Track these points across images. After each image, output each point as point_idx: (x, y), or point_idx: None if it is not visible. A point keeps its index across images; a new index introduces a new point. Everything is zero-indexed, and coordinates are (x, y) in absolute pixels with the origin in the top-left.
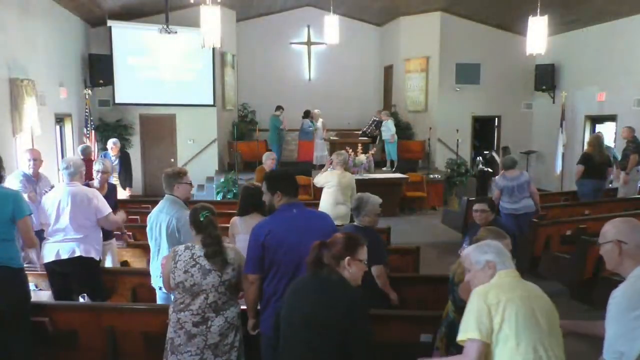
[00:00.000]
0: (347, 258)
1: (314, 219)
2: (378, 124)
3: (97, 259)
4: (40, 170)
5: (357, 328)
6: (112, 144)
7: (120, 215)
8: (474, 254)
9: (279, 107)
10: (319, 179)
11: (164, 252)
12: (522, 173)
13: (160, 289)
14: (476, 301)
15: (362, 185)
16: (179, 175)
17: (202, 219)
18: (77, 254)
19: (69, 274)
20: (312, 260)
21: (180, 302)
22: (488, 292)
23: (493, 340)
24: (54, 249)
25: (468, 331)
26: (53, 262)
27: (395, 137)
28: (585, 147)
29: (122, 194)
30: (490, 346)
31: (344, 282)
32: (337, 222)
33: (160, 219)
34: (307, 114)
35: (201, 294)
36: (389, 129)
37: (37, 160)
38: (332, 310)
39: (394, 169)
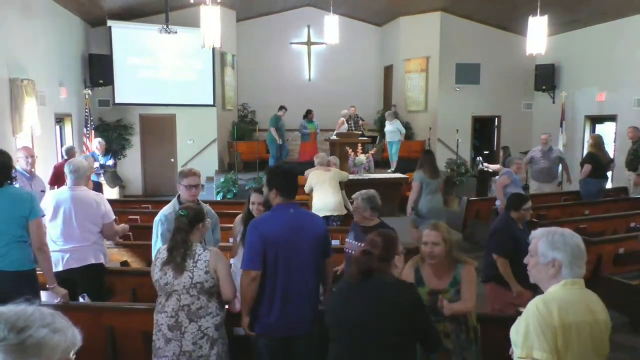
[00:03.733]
0: (396, 257)
1: (308, 219)
2: (354, 118)
3: (105, 263)
4: (37, 172)
5: (423, 320)
6: (97, 143)
7: (123, 227)
8: (543, 244)
9: (281, 107)
10: (306, 187)
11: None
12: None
13: None
14: (540, 317)
15: (362, 185)
16: (180, 175)
17: (176, 217)
18: (89, 262)
19: (76, 281)
20: (363, 268)
21: (158, 303)
22: (552, 310)
23: None
24: (62, 257)
25: (534, 349)
26: (62, 270)
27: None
28: (587, 147)
29: (112, 192)
30: None
31: (401, 283)
32: (329, 214)
33: None
34: (305, 114)
35: (174, 295)
36: (398, 130)
37: (33, 157)
38: (399, 310)
39: (394, 170)
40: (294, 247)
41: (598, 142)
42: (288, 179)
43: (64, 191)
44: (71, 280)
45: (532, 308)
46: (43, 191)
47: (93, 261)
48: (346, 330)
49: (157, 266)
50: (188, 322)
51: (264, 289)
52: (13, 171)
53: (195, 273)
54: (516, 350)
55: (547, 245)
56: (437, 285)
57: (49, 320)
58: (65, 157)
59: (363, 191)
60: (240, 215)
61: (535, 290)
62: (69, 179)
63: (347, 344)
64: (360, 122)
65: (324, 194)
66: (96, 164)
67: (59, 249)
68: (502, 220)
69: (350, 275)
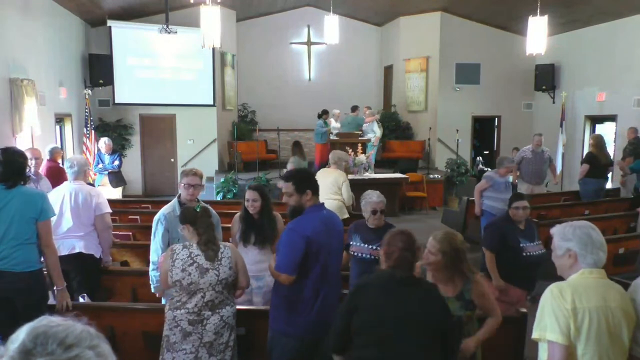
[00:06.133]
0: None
1: (334, 218)
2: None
3: (98, 256)
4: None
5: (451, 322)
6: (103, 142)
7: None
8: (557, 237)
9: (356, 107)
10: None
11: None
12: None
13: None
14: (554, 301)
15: (362, 185)
16: (181, 175)
17: (197, 209)
18: (77, 250)
19: (69, 272)
20: (404, 266)
21: (177, 300)
22: (565, 294)
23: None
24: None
25: (547, 331)
26: None
27: (379, 140)
28: (588, 147)
29: (114, 192)
30: (570, 347)
31: (433, 284)
32: None
33: None
34: (321, 114)
35: (198, 293)
36: (372, 131)
37: (37, 159)
38: (440, 309)
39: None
40: (330, 247)
41: (599, 142)
42: (314, 179)
43: (65, 186)
44: (63, 271)
45: (547, 293)
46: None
47: (83, 250)
48: (387, 328)
49: (178, 267)
50: (210, 314)
51: (304, 290)
52: (27, 170)
53: (221, 270)
54: (533, 333)
55: (560, 237)
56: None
57: (95, 343)
58: (48, 158)
59: (374, 197)
60: (238, 214)
61: (528, 289)
62: (68, 175)
63: (384, 342)
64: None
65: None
66: (100, 166)
67: (54, 238)
68: (499, 217)
69: (394, 274)
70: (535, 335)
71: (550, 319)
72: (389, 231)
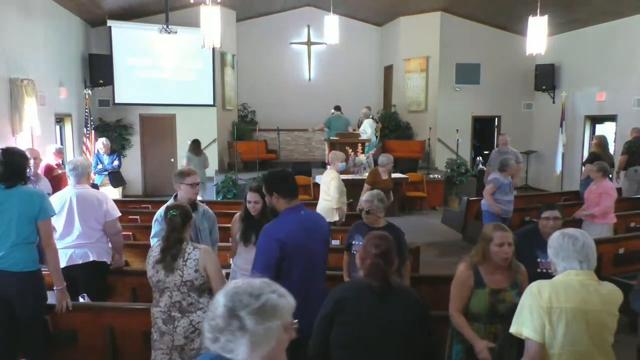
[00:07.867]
0: (397, 261)
1: (316, 220)
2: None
3: (108, 262)
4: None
5: (430, 323)
6: (101, 143)
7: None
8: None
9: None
10: None
11: None
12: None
13: None
14: (532, 298)
15: (363, 185)
16: (181, 176)
17: (169, 217)
18: (91, 259)
19: (78, 277)
20: (376, 274)
21: (154, 297)
22: (543, 293)
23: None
24: (66, 254)
25: (524, 327)
26: (65, 267)
27: (373, 140)
28: (591, 147)
29: (114, 192)
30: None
31: (409, 288)
32: None
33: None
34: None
35: (166, 292)
36: (364, 131)
37: (36, 159)
38: (423, 314)
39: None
40: (309, 249)
41: (602, 142)
42: (286, 181)
43: (68, 190)
44: (73, 277)
45: (527, 290)
46: (49, 193)
47: (95, 258)
48: (370, 337)
49: (150, 264)
50: (180, 316)
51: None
52: (28, 171)
53: (185, 272)
54: (512, 327)
55: (550, 244)
56: (498, 285)
57: (274, 287)
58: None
59: (374, 192)
60: (238, 214)
61: None
62: (70, 178)
63: (368, 351)
64: (375, 124)
65: (320, 196)
66: (99, 166)
67: (63, 246)
68: (525, 228)
69: (369, 284)
70: (512, 329)
71: (526, 315)
72: (369, 233)
